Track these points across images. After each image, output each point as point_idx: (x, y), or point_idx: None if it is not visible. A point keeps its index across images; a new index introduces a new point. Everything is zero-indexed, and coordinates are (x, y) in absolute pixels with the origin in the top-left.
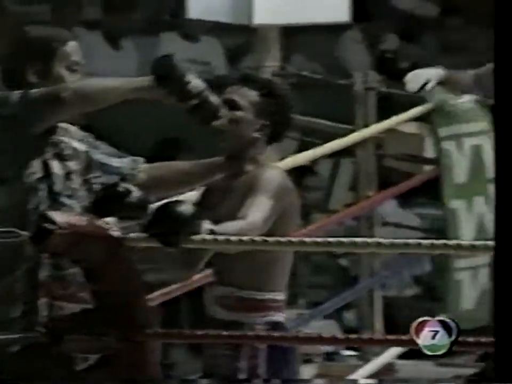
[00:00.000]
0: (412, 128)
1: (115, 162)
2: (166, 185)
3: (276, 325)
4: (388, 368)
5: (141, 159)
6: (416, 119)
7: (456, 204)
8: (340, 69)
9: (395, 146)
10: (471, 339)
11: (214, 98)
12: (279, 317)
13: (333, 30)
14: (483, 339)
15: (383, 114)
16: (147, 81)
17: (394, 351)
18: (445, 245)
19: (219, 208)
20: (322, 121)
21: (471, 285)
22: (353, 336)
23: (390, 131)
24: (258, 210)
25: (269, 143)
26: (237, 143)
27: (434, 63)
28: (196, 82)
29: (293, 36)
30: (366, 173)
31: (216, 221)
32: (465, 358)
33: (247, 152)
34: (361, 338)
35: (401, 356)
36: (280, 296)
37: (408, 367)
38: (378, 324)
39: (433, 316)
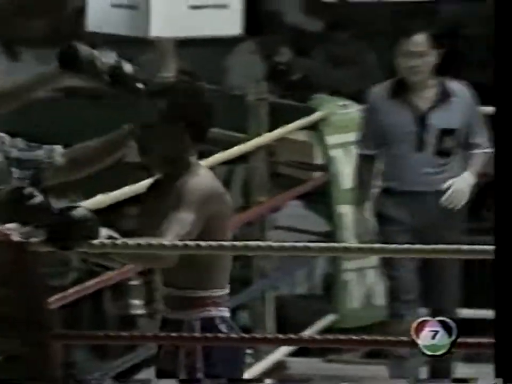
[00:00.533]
0: (302, 136)
1: (32, 156)
2: (84, 164)
3: (210, 320)
4: (279, 366)
5: (58, 147)
6: (306, 127)
7: (344, 209)
8: (234, 80)
9: (286, 153)
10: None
11: (127, 67)
12: (217, 312)
13: (227, 43)
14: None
15: (274, 123)
16: (57, 70)
17: (286, 349)
18: (333, 248)
19: (158, 211)
20: (217, 129)
21: (358, 285)
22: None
23: (282, 139)
24: (178, 228)
25: (194, 143)
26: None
27: (324, 74)
28: (104, 58)
29: (188, 48)
30: (259, 179)
31: (155, 224)
32: (352, 355)
33: (175, 156)
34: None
35: (292, 354)
36: (218, 292)
37: (299, 364)
38: (270, 323)
39: (322, 315)
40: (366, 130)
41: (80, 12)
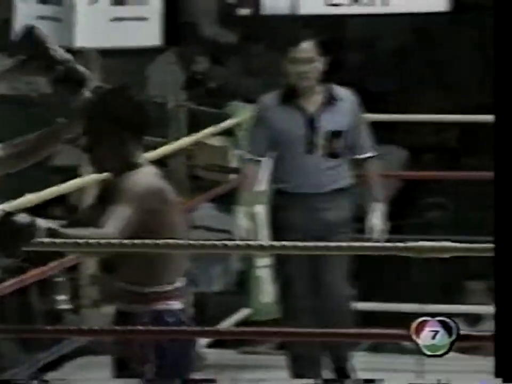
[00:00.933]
0: (218, 141)
1: None
2: (23, 156)
3: (159, 314)
4: (197, 357)
5: None
6: (222, 133)
7: (257, 209)
8: (155, 88)
9: (204, 157)
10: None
11: (80, 67)
12: (166, 305)
13: (148, 53)
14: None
15: (193, 129)
16: (13, 62)
17: (203, 340)
18: (248, 245)
19: (105, 209)
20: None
21: (269, 281)
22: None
23: (200, 144)
24: (114, 221)
25: (137, 145)
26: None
27: (240, 84)
28: (59, 50)
29: (112, 58)
30: (178, 182)
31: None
32: (265, 346)
33: (121, 159)
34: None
35: (208, 346)
36: (167, 287)
37: (215, 355)
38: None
39: (237, 309)
40: (255, 136)
41: (6, 23)
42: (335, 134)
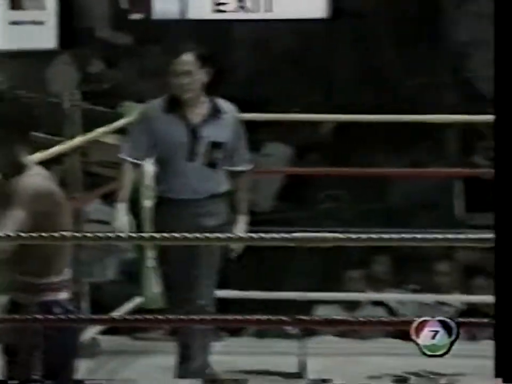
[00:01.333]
0: (111, 139)
1: None
2: None
3: (46, 304)
4: (91, 344)
5: None
6: (115, 131)
7: (148, 203)
8: (51, 88)
9: (98, 154)
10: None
11: None
12: (53, 296)
13: (45, 55)
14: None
15: (87, 127)
16: None
17: (97, 327)
18: (141, 237)
19: (3, 210)
20: (36, 133)
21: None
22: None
23: (94, 142)
24: (10, 224)
25: (24, 147)
26: None
27: (133, 85)
28: None
29: (10, 60)
30: (73, 178)
31: None
32: (158, 333)
33: (9, 160)
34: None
35: (102, 332)
36: (54, 278)
37: (108, 341)
38: (85, 306)
39: (129, 297)
40: (135, 139)
41: None
42: (216, 145)
